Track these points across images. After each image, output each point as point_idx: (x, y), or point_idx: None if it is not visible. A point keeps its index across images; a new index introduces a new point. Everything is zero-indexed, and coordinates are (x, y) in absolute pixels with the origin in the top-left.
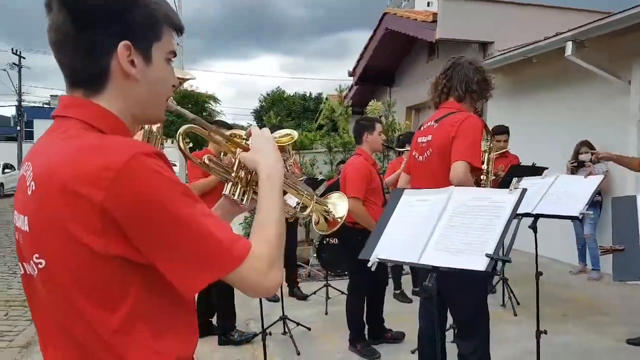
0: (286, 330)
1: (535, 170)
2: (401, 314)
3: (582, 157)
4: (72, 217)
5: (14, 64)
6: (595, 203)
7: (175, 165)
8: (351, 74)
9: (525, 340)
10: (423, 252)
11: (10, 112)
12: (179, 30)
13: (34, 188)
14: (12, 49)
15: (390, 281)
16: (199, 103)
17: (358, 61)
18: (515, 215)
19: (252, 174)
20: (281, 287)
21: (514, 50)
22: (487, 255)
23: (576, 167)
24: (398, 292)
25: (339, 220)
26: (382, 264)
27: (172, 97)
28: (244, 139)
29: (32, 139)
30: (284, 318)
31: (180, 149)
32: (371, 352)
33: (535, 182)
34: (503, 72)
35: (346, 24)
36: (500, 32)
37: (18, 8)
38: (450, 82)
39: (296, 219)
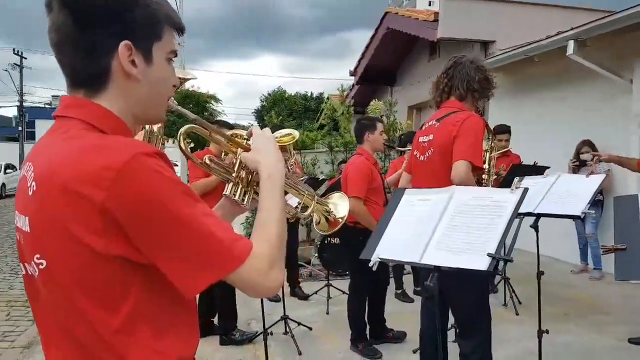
0: (287, 330)
1: (537, 170)
2: (402, 314)
3: (583, 156)
4: (73, 217)
5: (15, 64)
6: (596, 202)
7: (177, 165)
8: (352, 74)
9: (527, 340)
10: (424, 251)
11: (11, 112)
12: (180, 30)
13: (35, 188)
14: (14, 50)
15: (392, 281)
16: (200, 103)
17: (359, 61)
18: (516, 214)
19: (253, 174)
20: (282, 287)
21: (516, 49)
22: (489, 255)
23: (578, 166)
24: (399, 291)
25: (340, 220)
26: (383, 263)
27: (173, 97)
28: (245, 139)
29: (34, 139)
30: (285, 318)
31: (181, 149)
32: (373, 351)
33: (537, 182)
34: (504, 71)
35: (347, 24)
36: (501, 31)
37: (18, 8)
38: (451, 81)
39: (297, 219)
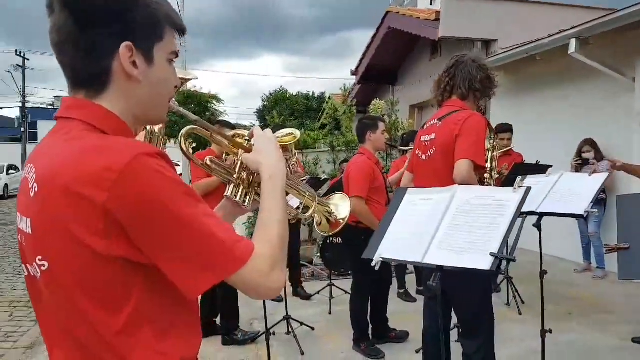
0: (290, 330)
1: (539, 168)
2: (405, 314)
3: (585, 155)
4: (75, 219)
5: (17, 65)
6: (599, 201)
7: (179, 166)
8: (354, 73)
9: (530, 339)
10: (427, 251)
11: (14, 113)
12: (181, 31)
13: (36, 190)
14: (16, 51)
15: (394, 280)
16: (202, 103)
17: (361, 60)
18: (519, 214)
19: (255, 175)
20: (285, 287)
21: (517, 48)
22: (492, 255)
23: (580, 164)
24: (402, 291)
25: (341, 221)
26: (386, 263)
27: (174, 98)
28: (246, 140)
29: (36, 140)
30: (287, 318)
31: (182, 150)
32: (375, 351)
33: (540, 180)
34: (506, 70)
35: (347, 24)
36: (503, 30)
37: (18, 8)
38: (453, 80)
39: (299, 219)
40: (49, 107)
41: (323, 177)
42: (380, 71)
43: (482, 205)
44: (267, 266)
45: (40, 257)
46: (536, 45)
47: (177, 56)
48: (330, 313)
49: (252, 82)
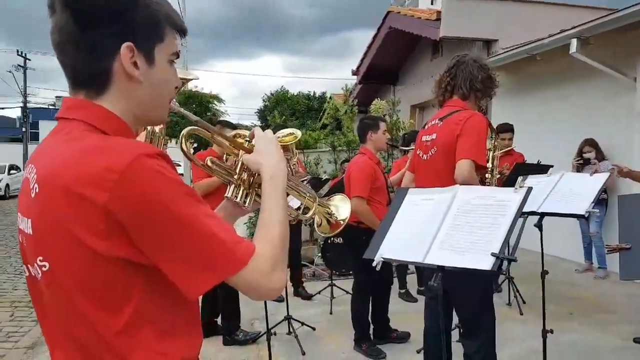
0: (291, 330)
1: (541, 168)
2: (406, 314)
3: (586, 155)
4: (76, 219)
5: (19, 65)
6: (601, 201)
7: (180, 166)
8: (355, 73)
9: (532, 339)
10: (428, 251)
11: (15, 113)
12: (182, 32)
13: (37, 190)
14: (18, 51)
15: (396, 280)
16: (203, 103)
17: (362, 60)
18: (520, 214)
19: (255, 176)
20: (286, 287)
21: (518, 47)
22: (493, 255)
23: (582, 164)
24: (403, 291)
25: (342, 222)
26: (387, 263)
27: (175, 99)
28: (247, 140)
29: (38, 140)
30: (288, 318)
31: (183, 151)
32: (376, 352)
33: (541, 180)
34: (507, 70)
35: (347, 24)
36: (504, 30)
37: (18, 8)
38: (454, 80)
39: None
40: (50, 107)
41: (324, 177)
42: (382, 71)
43: (483, 205)
44: (268, 266)
45: (41, 258)
46: (537, 45)
47: (178, 57)
48: (331, 313)
49: (253, 82)
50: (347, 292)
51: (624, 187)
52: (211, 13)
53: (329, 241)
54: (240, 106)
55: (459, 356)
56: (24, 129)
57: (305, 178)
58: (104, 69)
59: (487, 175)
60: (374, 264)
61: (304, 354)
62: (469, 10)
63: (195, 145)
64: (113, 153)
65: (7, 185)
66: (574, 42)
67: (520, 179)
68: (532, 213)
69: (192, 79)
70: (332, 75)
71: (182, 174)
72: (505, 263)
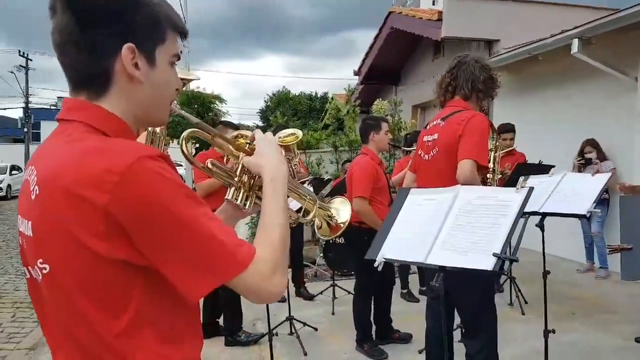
0: (293, 330)
1: (542, 169)
2: (408, 314)
3: (588, 155)
4: (76, 221)
5: (21, 66)
6: (602, 201)
7: (181, 166)
8: (357, 73)
9: (533, 339)
10: (430, 251)
11: (17, 113)
12: (182, 34)
13: (37, 192)
14: (19, 51)
15: (397, 280)
16: (205, 104)
17: (363, 60)
18: (522, 214)
19: (256, 179)
20: (288, 288)
21: (520, 48)
22: (494, 255)
23: (583, 164)
24: (405, 291)
25: (342, 225)
26: (389, 263)
27: (176, 101)
28: (247, 142)
29: (39, 141)
30: (290, 318)
31: (183, 153)
32: (378, 352)
33: (542, 180)
34: (508, 70)
35: (347, 24)
36: (505, 30)
37: (18, 8)
38: (456, 80)
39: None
40: (52, 107)
41: (326, 177)
42: (383, 71)
43: (485, 205)
44: (268, 269)
45: (41, 260)
46: (538, 45)
47: (179, 58)
48: (333, 313)
49: (254, 83)
50: (349, 293)
51: None
52: (212, 13)
53: (331, 241)
54: (242, 106)
55: (461, 356)
56: (25, 130)
57: (307, 178)
58: (104, 69)
59: (488, 175)
60: (375, 264)
61: (305, 354)
62: (470, 11)
63: (197, 145)
64: (113, 155)
65: (9, 186)
66: (576, 42)
67: (521, 179)
68: (534, 213)
69: (193, 79)
70: (332, 75)
71: (183, 175)
72: (506, 263)
